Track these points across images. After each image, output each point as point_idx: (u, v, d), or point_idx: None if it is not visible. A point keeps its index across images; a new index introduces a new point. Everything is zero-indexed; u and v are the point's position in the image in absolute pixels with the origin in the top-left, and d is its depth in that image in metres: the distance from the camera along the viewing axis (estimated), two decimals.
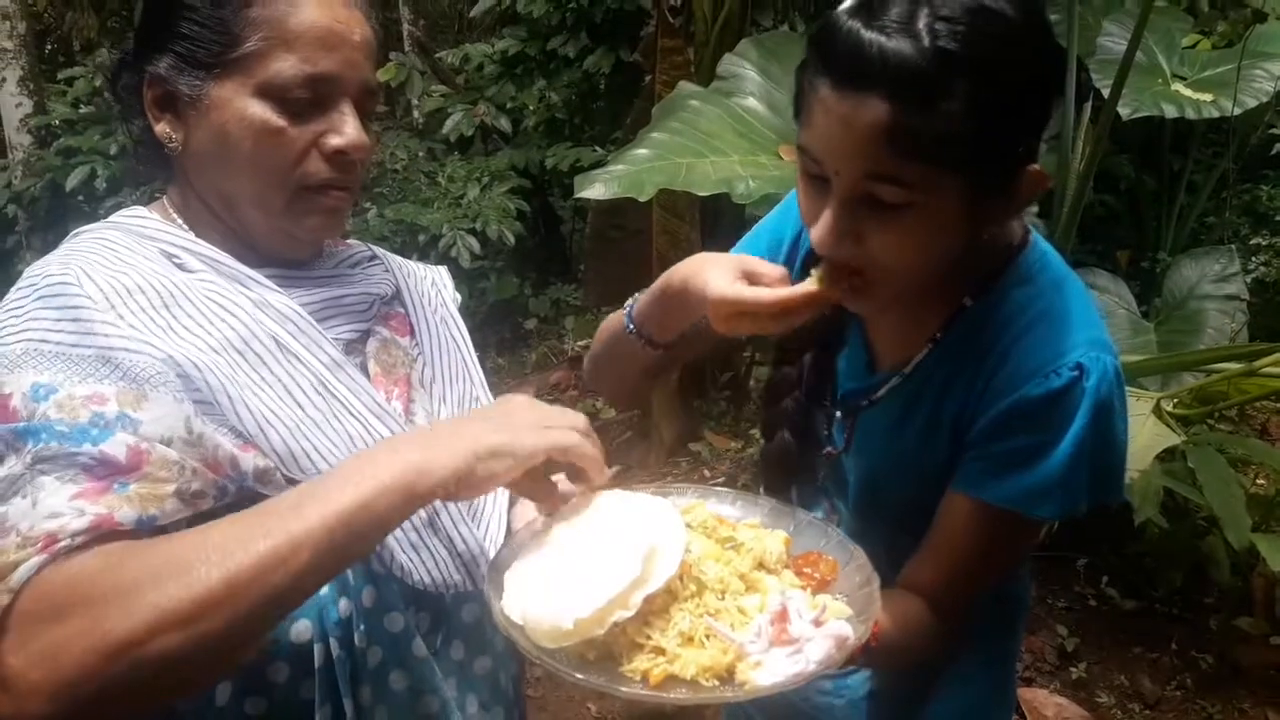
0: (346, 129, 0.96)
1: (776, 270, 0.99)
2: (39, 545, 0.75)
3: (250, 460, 0.88)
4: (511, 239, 4.83)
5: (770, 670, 0.79)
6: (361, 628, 0.93)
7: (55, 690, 0.69)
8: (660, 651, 0.80)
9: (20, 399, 0.81)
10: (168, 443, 0.82)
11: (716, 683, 0.79)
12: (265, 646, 0.90)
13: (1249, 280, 3.88)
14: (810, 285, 0.95)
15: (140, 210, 1.01)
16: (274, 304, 0.97)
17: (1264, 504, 2.99)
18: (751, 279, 0.98)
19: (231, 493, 0.87)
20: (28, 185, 4.87)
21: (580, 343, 5.30)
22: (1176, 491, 2.79)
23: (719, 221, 3.67)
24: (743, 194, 2.40)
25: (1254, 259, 4.25)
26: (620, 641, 0.81)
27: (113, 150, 4.45)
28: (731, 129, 2.71)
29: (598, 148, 5.08)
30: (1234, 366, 2.69)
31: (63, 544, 0.75)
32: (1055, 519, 1.02)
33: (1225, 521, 2.48)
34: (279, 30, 0.93)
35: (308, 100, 0.94)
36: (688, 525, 0.91)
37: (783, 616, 0.82)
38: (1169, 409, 2.66)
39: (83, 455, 0.79)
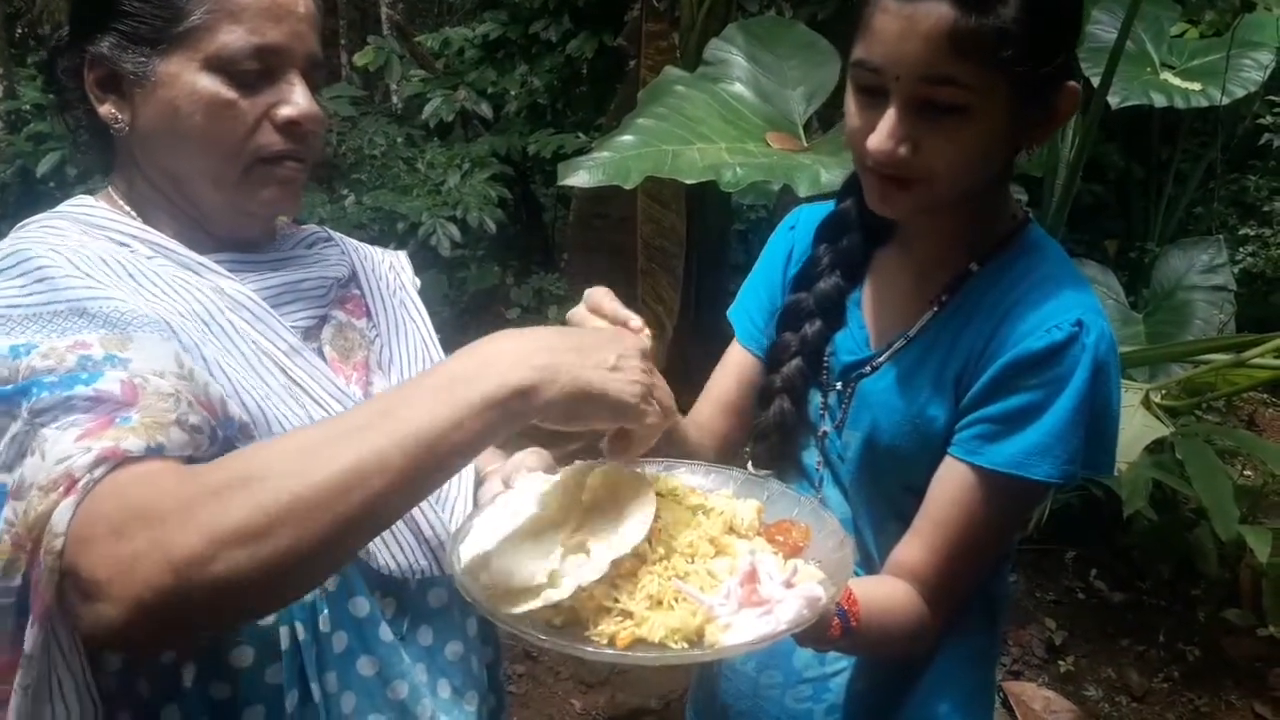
0: (297, 99, 0.96)
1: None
2: (61, 489, 0.72)
3: (236, 409, 0.86)
4: (493, 227, 4.76)
5: (740, 632, 0.78)
6: (325, 612, 0.92)
7: (131, 603, 0.66)
8: (628, 615, 0.79)
9: None
10: (161, 375, 0.80)
11: (685, 645, 0.77)
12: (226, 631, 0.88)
13: (1236, 271, 3.89)
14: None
15: (87, 200, 0.99)
16: (228, 291, 0.95)
17: (1251, 495, 3.00)
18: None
19: (220, 439, 0.84)
20: None
21: None
22: (1165, 483, 2.78)
23: (705, 209, 3.63)
24: (730, 181, 2.35)
25: (1241, 249, 4.25)
26: (588, 606, 0.80)
27: (84, 136, 4.35)
28: (718, 115, 2.66)
29: (581, 134, 5.01)
30: (1222, 358, 2.69)
31: (82, 480, 0.72)
32: (1053, 481, 1.01)
33: (1213, 513, 2.47)
34: (224, 2, 0.92)
35: (257, 72, 0.93)
36: (657, 493, 0.89)
37: (751, 577, 0.81)
38: (1157, 400, 2.65)
39: (77, 397, 0.76)
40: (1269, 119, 4.10)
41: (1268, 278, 4.25)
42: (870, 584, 1.05)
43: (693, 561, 0.84)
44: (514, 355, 0.75)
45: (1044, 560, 3.27)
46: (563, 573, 0.79)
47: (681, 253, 3.37)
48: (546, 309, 5.42)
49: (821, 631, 0.93)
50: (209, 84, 0.92)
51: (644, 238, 3.39)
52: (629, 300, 3.96)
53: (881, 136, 0.96)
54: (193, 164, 0.95)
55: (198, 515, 0.67)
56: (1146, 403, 2.49)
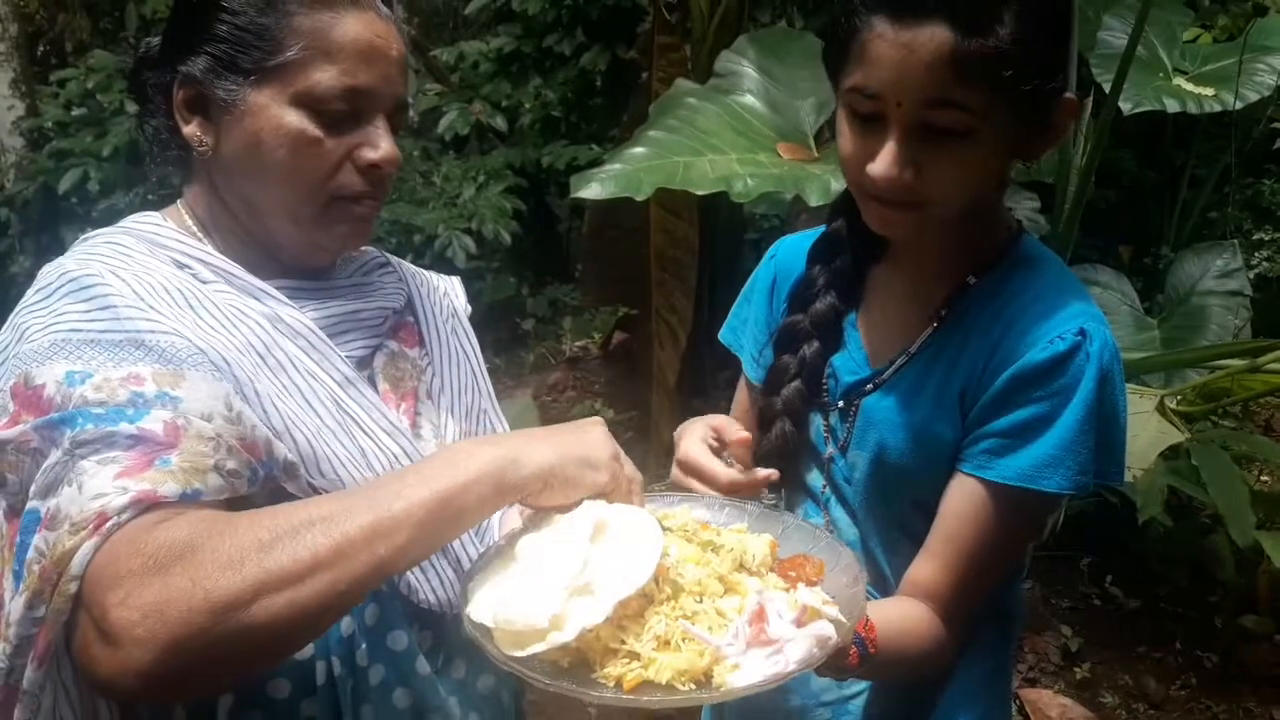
0: (381, 143, 0.97)
1: (741, 436, 1.11)
2: (90, 528, 0.73)
3: (282, 450, 0.88)
4: (508, 239, 4.79)
5: (748, 672, 0.78)
6: (363, 646, 0.93)
7: (162, 645, 0.68)
8: (635, 656, 0.79)
9: (54, 387, 0.80)
10: (208, 419, 0.82)
11: (693, 686, 0.77)
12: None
13: (1252, 276, 3.87)
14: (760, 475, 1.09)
15: (154, 216, 1.00)
16: (286, 319, 0.96)
17: (1269, 501, 2.97)
18: (720, 437, 1.11)
19: (261, 478, 0.86)
20: (20, 189, 4.82)
21: (578, 343, 5.27)
22: (1180, 489, 2.77)
23: (717, 220, 3.64)
24: (741, 192, 2.37)
25: (1257, 254, 4.23)
26: (595, 648, 0.80)
27: (105, 153, 4.40)
28: (729, 127, 2.68)
29: (594, 146, 5.04)
30: (1238, 363, 2.67)
31: (111, 521, 0.74)
32: (1064, 492, 1.01)
33: (1229, 519, 2.46)
34: (321, 41, 0.93)
35: (344, 113, 0.94)
36: (668, 530, 0.90)
37: (760, 617, 0.80)
38: (1173, 406, 2.63)
39: (120, 434, 0.78)
40: None
41: None
42: (886, 607, 1.04)
43: (701, 600, 0.83)
44: (500, 438, 0.91)
45: (1059, 567, 3.26)
46: (568, 615, 0.79)
47: (694, 263, 3.39)
48: (561, 319, 5.45)
49: (840, 661, 0.92)
50: (296, 120, 0.92)
51: (657, 248, 3.41)
52: (643, 310, 3.94)
53: (886, 164, 0.95)
54: (271, 195, 0.96)
55: (239, 560, 0.70)
56: (1162, 409, 2.48)
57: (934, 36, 0.90)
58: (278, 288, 0.98)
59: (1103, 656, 3.01)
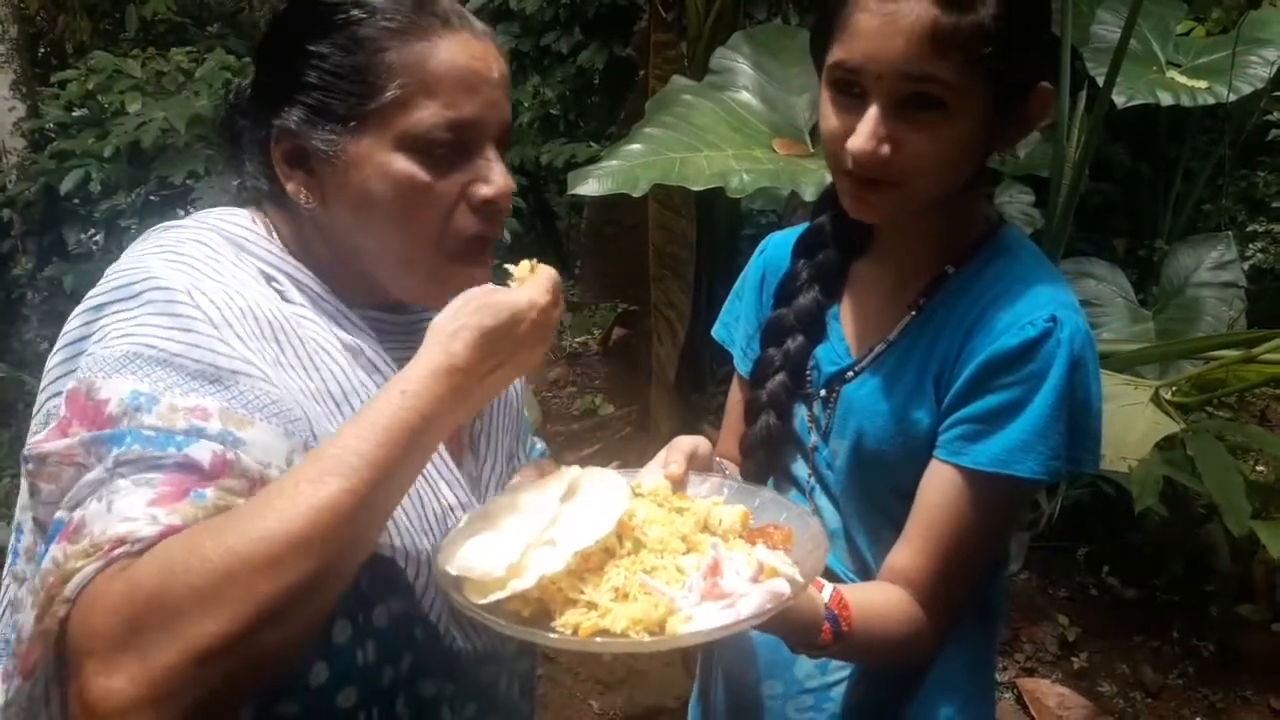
0: (494, 176, 0.91)
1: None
2: (104, 550, 0.70)
3: None
4: (508, 236, 4.79)
5: (700, 624, 0.79)
6: (401, 696, 0.93)
7: (153, 699, 0.65)
8: (593, 606, 0.81)
9: (117, 404, 0.77)
10: (265, 465, 0.78)
11: (646, 635, 0.79)
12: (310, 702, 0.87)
13: (1246, 267, 3.88)
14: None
15: (243, 218, 0.95)
16: (366, 353, 0.93)
17: (1264, 491, 2.99)
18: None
19: None
20: (22, 189, 4.83)
21: (578, 339, 5.29)
22: (1176, 480, 2.78)
23: (715, 215, 3.66)
24: (737, 188, 2.39)
25: (1251, 246, 4.24)
26: (556, 599, 0.82)
27: (107, 153, 4.41)
28: (725, 123, 2.70)
29: (593, 143, 5.06)
30: (1232, 353, 2.69)
31: (123, 549, 0.70)
32: (1037, 479, 1.01)
33: (1225, 509, 2.47)
34: (419, 75, 0.86)
35: (450, 146, 0.88)
36: (640, 495, 0.92)
37: (714, 570, 0.82)
38: (1168, 397, 2.65)
39: (166, 459, 0.74)
40: (1276, 115, 4.10)
41: (1277, 274, 4.25)
42: (863, 589, 1.05)
43: (662, 557, 0.85)
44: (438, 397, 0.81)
45: (1056, 557, 3.28)
46: (528, 565, 0.82)
47: (692, 258, 3.40)
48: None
49: (812, 636, 0.95)
50: (404, 166, 0.87)
51: (655, 244, 3.43)
52: (642, 306, 3.94)
53: (863, 137, 0.96)
54: (385, 246, 0.91)
55: (216, 596, 0.67)
56: (1157, 400, 2.50)
57: (916, 10, 0.91)
58: (362, 318, 0.94)
59: (1100, 646, 3.03)
